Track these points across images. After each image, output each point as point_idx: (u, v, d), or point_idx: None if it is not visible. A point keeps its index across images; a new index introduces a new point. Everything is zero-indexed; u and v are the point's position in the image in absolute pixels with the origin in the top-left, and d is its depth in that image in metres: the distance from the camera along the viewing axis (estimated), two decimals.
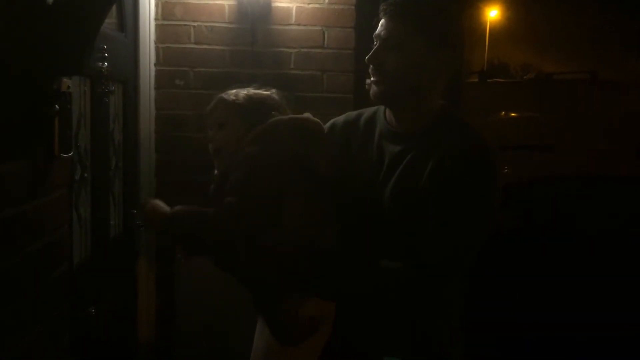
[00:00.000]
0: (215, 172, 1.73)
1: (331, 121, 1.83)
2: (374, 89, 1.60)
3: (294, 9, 3.06)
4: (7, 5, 1.36)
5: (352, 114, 1.82)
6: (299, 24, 3.07)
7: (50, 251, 1.61)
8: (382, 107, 1.72)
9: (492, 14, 23.17)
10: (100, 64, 2.24)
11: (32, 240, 1.50)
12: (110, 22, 2.58)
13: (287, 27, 3.07)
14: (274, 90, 1.80)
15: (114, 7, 2.59)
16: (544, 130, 7.21)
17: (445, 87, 1.63)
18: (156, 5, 3.01)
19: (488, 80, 8.82)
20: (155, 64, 3.03)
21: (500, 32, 22.55)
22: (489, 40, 22.44)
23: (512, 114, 7.67)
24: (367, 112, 1.77)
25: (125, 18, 2.72)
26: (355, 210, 1.65)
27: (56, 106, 1.58)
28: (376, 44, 1.58)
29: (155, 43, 3.02)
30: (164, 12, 3.02)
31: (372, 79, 1.60)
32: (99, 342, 2.26)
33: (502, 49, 20.70)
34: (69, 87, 1.66)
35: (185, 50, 3.05)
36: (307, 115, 1.73)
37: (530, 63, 16.99)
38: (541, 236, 6.64)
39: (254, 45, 3.05)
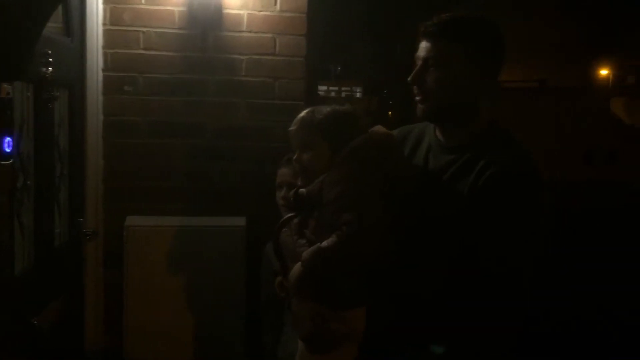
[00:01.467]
0: (302, 189, 1.75)
1: None
2: (419, 107, 1.67)
3: (245, 15, 3.06)
4: None
5: (405, 127, 1.87)
6: (250, 31, 3.07)
7: None
8: None
9: None
10: (44, 69, 2.20)
11: None
12: (55, 26, 2.54)
13: (238, 34, 3.07)
14: (348, 104, 1.83)
15: (59, 11, 2.55)
16: None
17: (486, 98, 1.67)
18: (104, 10, 2.97)
19: None
20: (102, 70, 2.99)
21: None
22: None
23: None
24: (419, 126, 1.82)
25: (71, 23, 2.68)
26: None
27: None
28: (418, 64, 1.64)
29: (103, 48, 2.98)
30: (112, 17, 2.98)
31: (416, 97, 1.67)
32: (44, 350, 2.21)
33: None
34: (8, 93, 1.63)
35: (134, 55, 3.02)
36: (382, 128, 1.76)
37: None
38: None
39: (205, 51, 3.03)
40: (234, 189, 3.14)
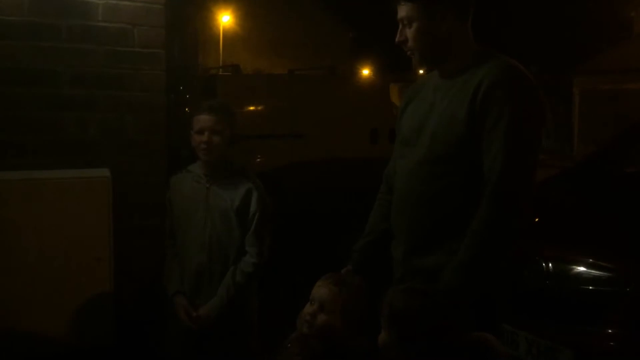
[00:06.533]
0: None
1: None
2: (414, 59, 2.03)
3: None
4: None
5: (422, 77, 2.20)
6: None
7: None
8: None
9: (225, 20, 23.92)
10: None
11: None
12: None
13: None
14: None
15: None
16: (293, 119, 7.67)
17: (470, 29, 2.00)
18: None
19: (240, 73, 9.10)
20: None
21: (233, 37, 23.41)
22: (223, 43, 23.13)
23: (262, 106, 7.94)
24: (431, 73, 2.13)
25: None
26: (406, 150, 2.08)
27: None
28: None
29: None
30: None
31: (408, 53, 2.02)
32: None
33: (235, 51, 21.59)
34: None
35: None
36: None
37: (261, 68, 18.04)
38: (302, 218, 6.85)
39: None
40: (93, 141, 3.00)
